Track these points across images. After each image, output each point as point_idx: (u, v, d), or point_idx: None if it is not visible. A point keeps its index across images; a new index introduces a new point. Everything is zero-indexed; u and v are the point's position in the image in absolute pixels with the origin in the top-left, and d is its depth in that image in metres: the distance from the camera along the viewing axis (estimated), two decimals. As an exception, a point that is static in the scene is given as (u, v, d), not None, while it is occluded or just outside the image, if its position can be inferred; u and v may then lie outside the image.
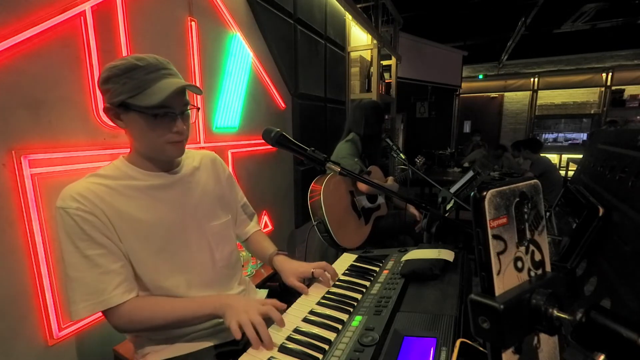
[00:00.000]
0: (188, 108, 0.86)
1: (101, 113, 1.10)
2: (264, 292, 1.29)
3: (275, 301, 0.81)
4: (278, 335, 0.71)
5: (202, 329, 0.90)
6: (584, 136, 7.73)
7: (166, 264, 0.86)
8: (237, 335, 0.73)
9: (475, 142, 6.12)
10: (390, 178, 2.22)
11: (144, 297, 0.84)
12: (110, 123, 1.11)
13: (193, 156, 1.00)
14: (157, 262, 0.85)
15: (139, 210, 0.83)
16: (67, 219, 0.75)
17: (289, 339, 0.70)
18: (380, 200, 2.17)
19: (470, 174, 1.82)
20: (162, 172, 0.89)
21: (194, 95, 1.43)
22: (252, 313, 0.75)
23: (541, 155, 3.94)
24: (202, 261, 0.93)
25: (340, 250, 1.81)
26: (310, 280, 0.96)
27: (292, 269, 0.98)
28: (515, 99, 8.34)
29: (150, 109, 0.78)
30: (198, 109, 0.90)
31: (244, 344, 0.93)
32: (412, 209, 2.17)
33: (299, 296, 0.89)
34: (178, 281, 0.88)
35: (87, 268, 0.76)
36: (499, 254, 0.38)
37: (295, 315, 0.79)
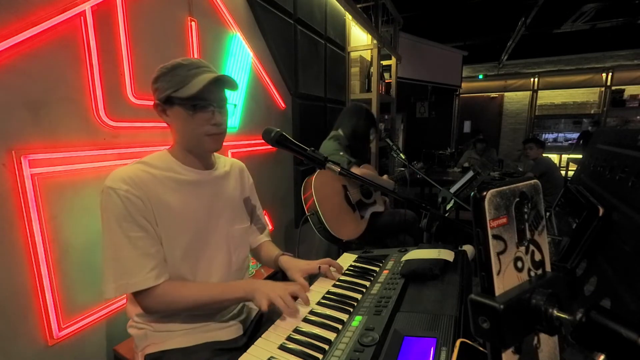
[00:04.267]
0: (227, 103, 0.92)
1: (102, 115, 1.10)
2: None
3: (300, 285, 0.87)
4: (278, 335, 0.71)
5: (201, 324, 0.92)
6: (583, 136, 7.71)
7: (190, 258, 0.90)
8: (264, 308, 0.80)
9: (473, 142, 6.10)
10: (386, 176, 2.28)
11: (174, 281, 0.87)
12: (111, 123, 1.13)
13: (225, 162, 1.07)
14: (183, 254, 0.89)
15: (176, 202, 0.88)
16: (115, 199, 0.79)
17: (289, 338, 0.70)
18: (375, 195, 2.19)
19: (470, 174, 1.82)
20: (199, 169, 0.95)
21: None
22: (280, 291, 0.82)
23: (543, 155, 3.93)
24: (221, 261, 0.97)
25: (335, 243, 1.82)
26: (312, 278, 0.97)
27: (298, 265, 1.02)
28: (515, 99, 8.33)
29: (190, 100, 0.84)
30: (235, 105, 0.96)
31: (243, 343, 0.94)
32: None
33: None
34: (196, 276, 0.92)
35: (127, 249, 0.79)
36: (499, 254, 0.38)
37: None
